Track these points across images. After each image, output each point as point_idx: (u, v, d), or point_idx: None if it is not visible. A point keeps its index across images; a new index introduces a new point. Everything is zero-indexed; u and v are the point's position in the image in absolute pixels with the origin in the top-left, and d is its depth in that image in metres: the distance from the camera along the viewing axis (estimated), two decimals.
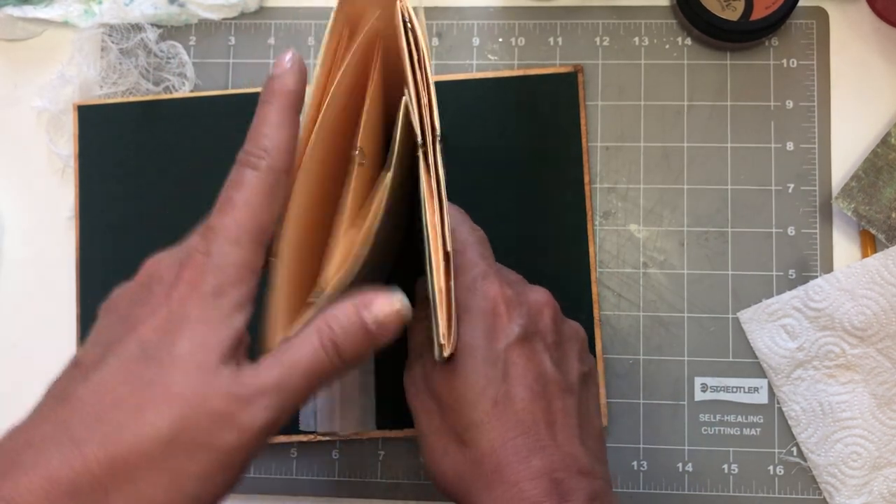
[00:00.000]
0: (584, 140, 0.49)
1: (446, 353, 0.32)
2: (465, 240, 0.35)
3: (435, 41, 0.52)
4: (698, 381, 0.49)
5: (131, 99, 0.51)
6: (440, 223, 0.31)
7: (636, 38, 0.51)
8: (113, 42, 0.52)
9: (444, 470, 0.32)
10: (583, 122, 0.49)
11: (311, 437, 0.48)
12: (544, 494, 0.30)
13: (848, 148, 0.49)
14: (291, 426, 0.47)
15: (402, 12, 0.32)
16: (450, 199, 0.33)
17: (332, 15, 0.33)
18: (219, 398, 0.27)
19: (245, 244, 0.29)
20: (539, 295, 0.35)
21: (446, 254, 0.31)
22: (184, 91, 0.52)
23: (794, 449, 0.48)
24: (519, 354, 0.33)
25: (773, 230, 0.49)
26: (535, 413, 0.32)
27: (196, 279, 0.28)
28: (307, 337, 0.29)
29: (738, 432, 0.48)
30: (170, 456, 0.26)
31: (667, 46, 0.51)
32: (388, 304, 0.29)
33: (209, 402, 0.27)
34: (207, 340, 0.28)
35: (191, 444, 0.27)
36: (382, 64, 0.35)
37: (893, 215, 0.48)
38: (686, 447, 0.48)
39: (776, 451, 0.48)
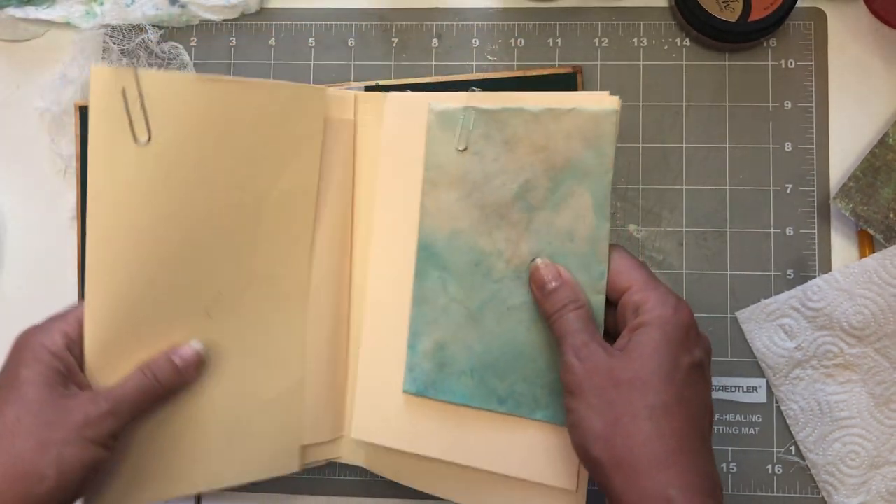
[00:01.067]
0: None
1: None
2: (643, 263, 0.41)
3: (435, 42, 0.52)
4: None
5: None
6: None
7: (635, 39, 0.51)
8: (114, 43, 0.52)
9: (601, 437, 0.36)
10: None
11: None
12: (706, 493, 0.35)
13: (846, 148, 0.50)
14: None
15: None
16: None
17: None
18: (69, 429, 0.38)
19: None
20: (708, 340, 0.39)
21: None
22: None
23: (793, 448, 0.48)
24: (699, 375, 0.38)
25: (772, 230, 0.49)
26: (703, 425, 0.37)
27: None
28: (135, 372, 0.41)
29: (737, 431, 0.48)
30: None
31: (665, 47, 0.51)
32: (189, 348, 0.42)
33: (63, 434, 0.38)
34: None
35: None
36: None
37: (891, 215, 0.48)
38: None
39: (775, 450, 0.48)
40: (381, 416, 0.44)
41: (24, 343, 0.40)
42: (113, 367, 0.41)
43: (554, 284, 0.40)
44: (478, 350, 0.42)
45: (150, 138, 0.39)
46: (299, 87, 0.43)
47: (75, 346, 0.41)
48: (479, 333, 0.42)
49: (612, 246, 0.40)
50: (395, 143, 0.45)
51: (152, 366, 0.41)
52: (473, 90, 0.43)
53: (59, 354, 0.40)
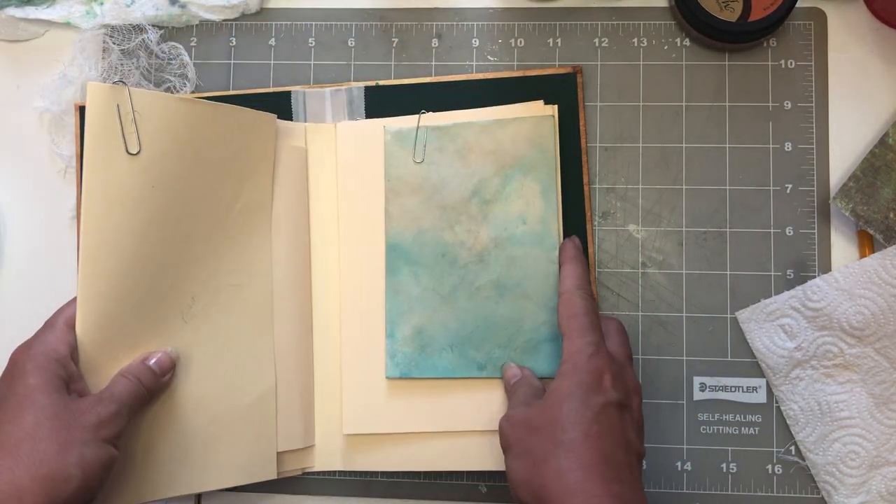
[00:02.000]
0: (583, 140, 0.50)
1: None
2: (589, 307, 0.43)
3: (435, 42, 0.52)
4: (697, 380, 0.49)
5: None
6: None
7: (635, 39, 0.51)
8: (114, 43, 0.52)
9: (523, 482, 0.39)
10: (582, 122, 0.50)
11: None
12: None
13: (846, 148, 0.50)
14: None
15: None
16: None
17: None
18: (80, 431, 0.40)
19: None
20: (635, 381, 0.42)
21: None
22: (185, 92, 0.52)
23: (793, 448, 0.48)
24: (613, 413, 0.40)
25: (772, 230, 0.49)
26: (619, 457, 0.39)
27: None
28: (121, 377, 0.43)
29: (737, 431, 0.49)
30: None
31: (665, 47, 0.51)
32: (164, 355, 0.45)
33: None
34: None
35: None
36: None
37: (891, 215, 0.48)
38: (685, 446, 0.49)
39: (775, 450, 0.48)
40: (369, 407, 0.48)
41: (24, 356, 0.42)
42: (102, 370, 0.44)
43: (514, 381, 0.46)
44: (454, 327, 0.48)
45: (140, 150, 0.43)
46: (255, 113, 0.48)
47: (76, 353, 0.43)
48: (453, 313, 0.48)
49: (572, 290, 0.44)
50: (352, 163, 0.50)
51: (133, 370, 0.44)
52: (423, 112, 0.49)
53: (62, 362, 0.42)
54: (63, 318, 0.44)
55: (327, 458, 0.49)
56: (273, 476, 0.48)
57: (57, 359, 0.41)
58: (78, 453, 0.38)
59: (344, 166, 0.50)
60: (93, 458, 0.39)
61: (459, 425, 0.47)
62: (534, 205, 0.48)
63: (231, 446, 0.47)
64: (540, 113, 0.48)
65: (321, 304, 0.50)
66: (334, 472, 0.50)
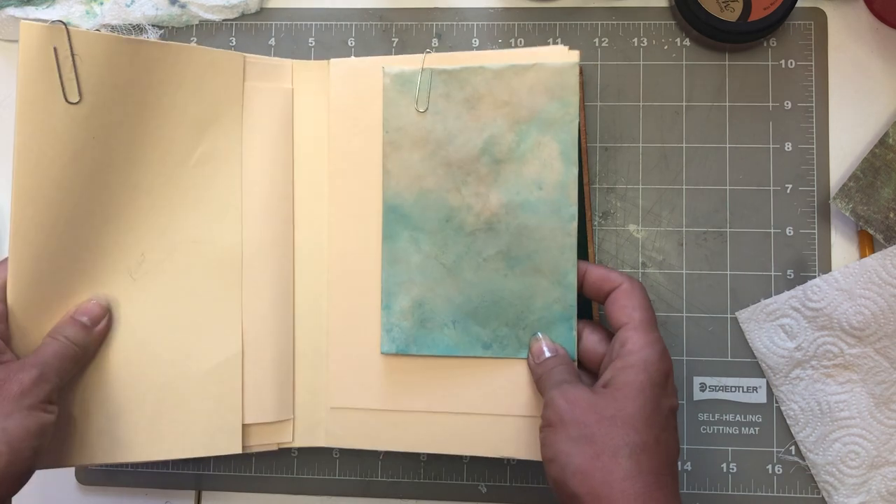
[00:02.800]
0: (583, 140, 0.49)
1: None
2: (650, 303, 0.42)
3: (435, 42, 0.52)
4: (697, 380, 0.49)
5: None
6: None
7: (635, 39, 0.51)
8: None
9: (580, 471, 0.37)
10: (582, 122, 0.50)
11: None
12: None
13: (846, 148, 0.50)
14: None
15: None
16: None
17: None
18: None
19: None
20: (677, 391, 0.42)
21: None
22: None
23: (793, 448, 0.48)
24: (673, 420, 0.39)
25: (772, 230, 0.49)
26: (676, 468, 0.38)
27: None
28: (49, 338, 0.41)
29: (737, 431, 0.48)
30: None
31: (665, 47, 0.51)
32: (91, 304, 0.43)
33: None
34: None
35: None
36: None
37: (891, 215, 0.48)
38: (685, 446, 0.49)
39: (775, 450, 0.48)
40: (359, 380, 0.45)
41: None
42: (37, 330, 0.42)
43: (547, 355, 0.43)
44: (458, 301, 0.44)
45: (80, 98, 0.40)
46: (217, 52, 0.45)
47: (4, 321, 0.41)
48: (457, 285, 0.44)
49: (631, 280, 0.42)
50: (346, 109, 0.46)
51: (60, 329, 0.42)
52: (429, 51, 0.45)
53: None
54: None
55: (308, 433, 0.46)
56: (238, 450, 0.45)
57: None
58: (1, 427, 0.37)
59: (336, 112, 0.46)
60: (18, 430, 0.37)
61: (459, 407, 0.45)
62: (552, 168, 0.43)
63: (186, 415, 0.44)
64: (563, 60, 0.43)
65: (306, 266, 0.47)
66: (335, 474, 0.50)
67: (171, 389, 0.44)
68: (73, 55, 0.39)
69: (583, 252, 0.49)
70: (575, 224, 0.43)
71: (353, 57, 0.47)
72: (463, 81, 0.44)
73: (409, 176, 0.44)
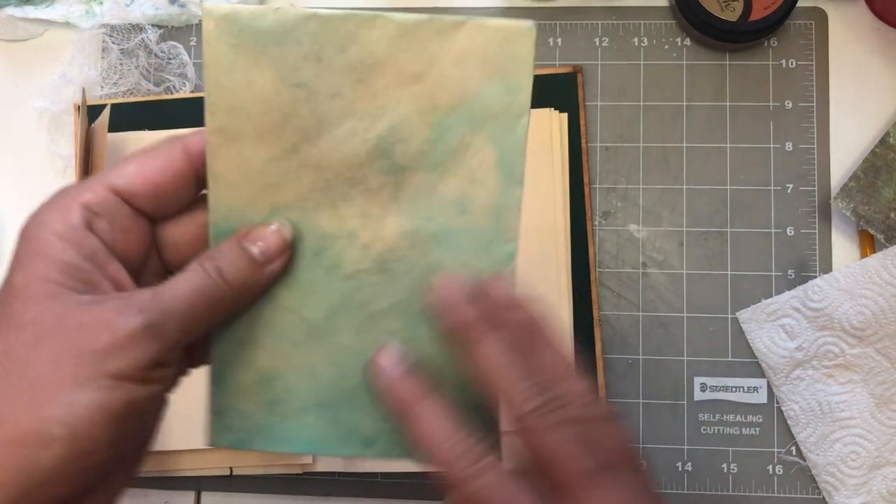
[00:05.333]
0: (583, 141, 0.49)
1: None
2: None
3: None
4: (697, 380, 0.49)
5: (132, 99, 0.52)
6: None
7: (635, 39, 0.51)
8: (114, 42, 0.52)
9: None
10: (582, 122, 0.50)
11: None
12: None
13: (847, 148, 0.50)
14: None
15: None
16: None
17: None
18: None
19: None
20: None
21: None
22: (184, 91, 0.52)
23: (794, 448, 0.48)
24: None
25: (772, 230, 0.49)
26: None
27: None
28: (189, 268, 0.28)
29: (738, 432, 0.48)
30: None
31: (666, 47, 0.51)
32: (269, 231, 0.29)
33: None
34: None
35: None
36: None
37: (892, 215, 0.48)
38: (685, 447, 0.48)
39: (775, 450, 0.48)
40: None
41: (28, 228, 0.27)
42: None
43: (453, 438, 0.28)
44: (327, 376, 0.30)
45: None
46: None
47: (102, 221, 0.27)
48: (327, 353, 0.30)
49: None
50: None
51: (216, 256, 0.28)
52: None
53: (73, 239, 0.26)
54: (107, 173, 0.28)
55: (328, 458, 0.48)
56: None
57: (67, 234, 0.26)
58: (66, 401, 0.24)
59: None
60: (90, 407, 0.24)
61: None
62: (483, 184, 0.29)
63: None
64: (512, 22, 0.29)
65: None
66: (334, 474, 0.50)
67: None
68: None
69: (583, 252, 0.49)
70: (513, 268, 0.30)
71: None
72: (349, 38, 0.28)
73: (254, 183, 0.29)
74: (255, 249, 0.28)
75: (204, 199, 0.29)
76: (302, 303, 0.30)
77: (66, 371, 0.24)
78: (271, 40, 0.28)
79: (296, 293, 0.30)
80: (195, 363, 0.31)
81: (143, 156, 0.28)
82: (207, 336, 0.30)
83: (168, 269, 0.29)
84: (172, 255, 0.30)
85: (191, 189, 0.29)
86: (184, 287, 0.27)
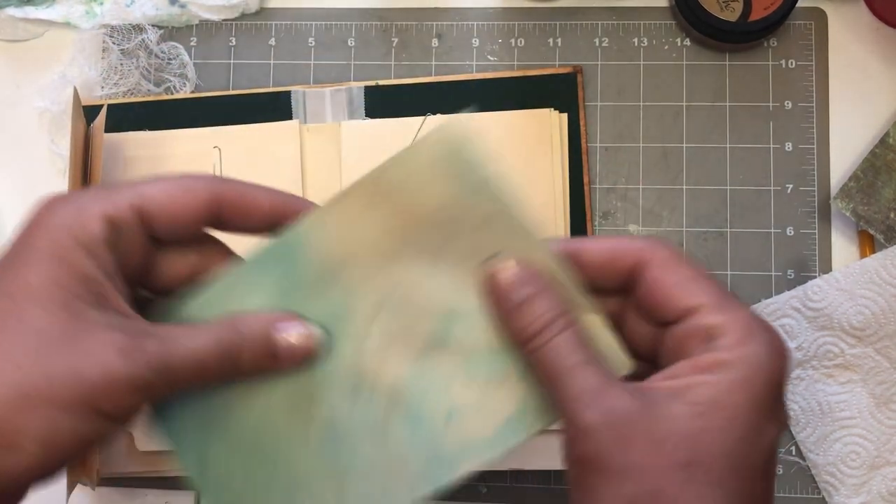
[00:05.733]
0: (583, 140, 0.49)
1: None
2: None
3: (435, 42, 0.52)
4: None
5: (132, 99, 0.52)
6: None
7: (635, 39, 0.51)
8: (114, 43, 0.52)
9: None
10: (582, 122, 0.50)
11: None
12: None
13: (846, 148, 0.50)
14: None
15: None
16: None
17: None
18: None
19: None
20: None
21: None
22: (185, 92, 0.52)
23: (793, 448, 0.48)
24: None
25: (772, 230, 0.49)
26: None
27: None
28: (213, 331, 0.27)
29: None
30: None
31: (666, 47, 0.51)
32: (303, 330, 0.28)
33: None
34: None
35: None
36: None
37: (892, 215, 0.48)
38: None
39: None
40: None
41: (44, 222, 0.26)
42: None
43: (525, 292, 0.27)
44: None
45: None
46: None
47: (122, 237, 0.27)
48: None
49: (656, 242, 0.28)
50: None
51: (243, 332, 0.27)
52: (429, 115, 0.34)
53: (94, 251, 0.25)
54: (134, 186, 0.27)
55: None
56: None
57: (88, 244, 0.25)
58: (45, 418, 0.24)
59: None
60: (66, 433, 0.24)
61: None
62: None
63: None
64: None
65: None
66: None
67: None
68: None
69: None
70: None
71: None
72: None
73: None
74: (282, 345, 0.28)
75: (204, 236, 0.30)
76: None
77: (57, 391, 0.24)
78: None
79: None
80: None
81: (170, 180, 0.28)
82: None
83: (146, 287, 0.29)
84: (158, 280, 0.29)
85: (200, 224, 0.29)
86: (198, 351, 0.26)
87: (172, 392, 0.27)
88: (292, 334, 0.28)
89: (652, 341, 0.28)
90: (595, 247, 0.28)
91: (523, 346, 0.27)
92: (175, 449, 0.30)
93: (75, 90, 0.46)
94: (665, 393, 0.25)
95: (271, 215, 0.29)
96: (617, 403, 0.25)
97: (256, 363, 0.27)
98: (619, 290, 0.29)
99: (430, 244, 0.29)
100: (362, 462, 0.29)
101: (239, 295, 0.29)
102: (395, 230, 0.29)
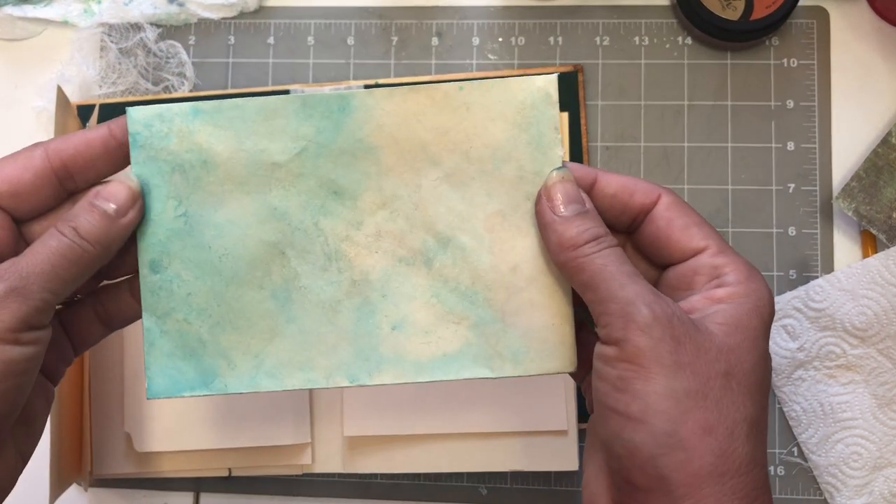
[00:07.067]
0: (584, 140, 0.49)
1: None
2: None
3: (435, 41, 0.52)
4: None
5: (130, 98, 0.51)
6: None
7: (636, 38, 0.51)
8: (112, 42, 0.52)
9: (677, 444, 0.26)
10: (583, 121, 0.49)
11: None
12: None
13: (848, 148, 0.49)
14: None
15: None
16: None
17: None
18: None
19: None
20: None
21: None
22: (183, 91, 0.52)
23: (795, 449, 0.48)
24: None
25: (774, 230, 0.49)
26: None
27: None
28: (47, 233, 0.30)
29: None
30: None
31: (667, 46, 0.51)
32: (117, 186, 0.30)
33: None
34: None
35: None
36: None
37: (894, 215, 0.47)
38: None
39: (777, 451, 0.48)
40: (371, 408, 0.46)
41: None
42: None
43: (578, 207, 0.30)
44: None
45: None
46: None
47: (29, 192, 0.30)
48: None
49: (668, 189, 0.31)
50: None
51: (71, 218, 0.30)
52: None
53: None
54: (45, 146, 0.30)
55: (327, 459, 0.48)
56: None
57: None
58: None
59: None
60: None
61: (464, 427, 0.46)
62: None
63: None
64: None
65: None
66: (334, 475, 0.50)
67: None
68: None
69: None
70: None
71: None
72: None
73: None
74: (111, 207, 0.30)
75: (69, 199, 0.32)
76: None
77: None
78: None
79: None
80: (77, 349, 0.33)
81: (4, 158, 0.31)
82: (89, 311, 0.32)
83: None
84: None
85: (52, 189, 0.31)
86: (41, 250, 0.29)
87: (52, 294, 0.29)
88: (110, 196, 0.30)
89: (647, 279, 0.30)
90: (611, 179, 0.31)
91: (573, 251, 0.29)
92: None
93: (59, 89, 0.45)
94: (695, 315, 0.28)
95: (109, 151, 0.31)
96: (671, 308, 0.27)
97: (101, 232, 0.30)
98: (623, 227, 0.31)
99: (466, 172, 0.32)
100: (301, 325, 0.32)
101: (267, 132, 0.31)
102: (442, 143, 0.32)
